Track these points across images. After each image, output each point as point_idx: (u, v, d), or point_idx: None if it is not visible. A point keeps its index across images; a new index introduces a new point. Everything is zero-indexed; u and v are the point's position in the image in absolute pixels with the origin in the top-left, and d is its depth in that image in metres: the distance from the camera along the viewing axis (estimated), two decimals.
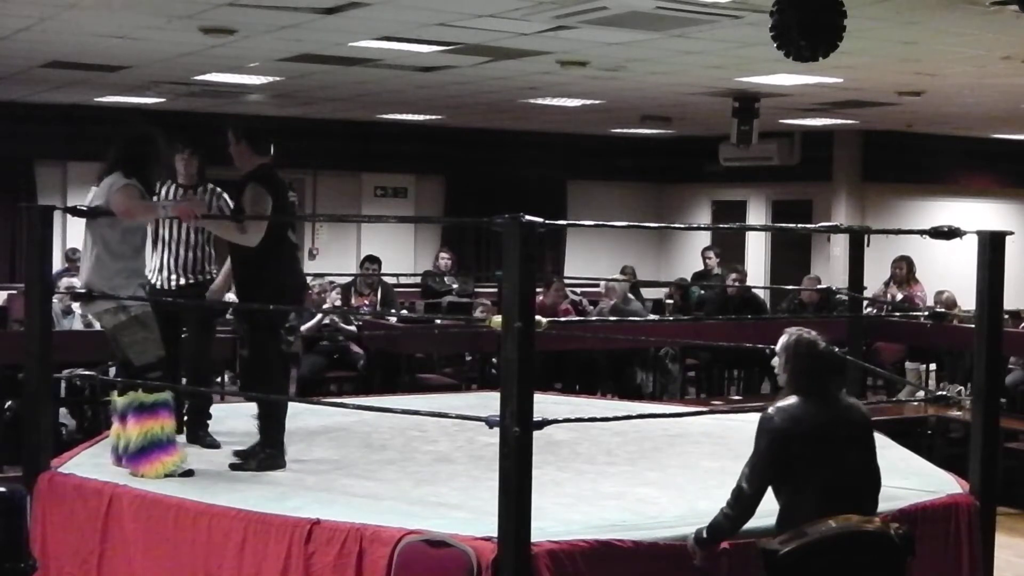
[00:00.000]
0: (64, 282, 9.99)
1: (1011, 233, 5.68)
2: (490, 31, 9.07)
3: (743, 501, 4.45)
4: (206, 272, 6.72)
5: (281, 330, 6.23)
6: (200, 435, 6.50)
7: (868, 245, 7.45)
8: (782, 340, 4.62)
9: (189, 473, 5.69)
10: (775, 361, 4.64)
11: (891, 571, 4.42)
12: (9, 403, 8.72)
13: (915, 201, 17.36)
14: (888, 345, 11.66)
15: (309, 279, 14.66)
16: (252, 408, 6.80)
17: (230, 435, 6.58)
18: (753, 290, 13.21)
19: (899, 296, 12.41)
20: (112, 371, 8.16)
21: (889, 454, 6.52)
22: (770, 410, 4.48)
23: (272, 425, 6.00)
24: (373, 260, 11.72)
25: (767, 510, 4.50)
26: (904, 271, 12.71)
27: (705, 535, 4.54)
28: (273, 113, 15.60)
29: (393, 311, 11.39)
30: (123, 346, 5.85)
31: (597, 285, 13.08)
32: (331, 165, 17.20)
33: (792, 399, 4.50)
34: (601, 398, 10.03)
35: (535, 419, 4.36)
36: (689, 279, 15.25)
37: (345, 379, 11.06)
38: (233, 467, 5.89)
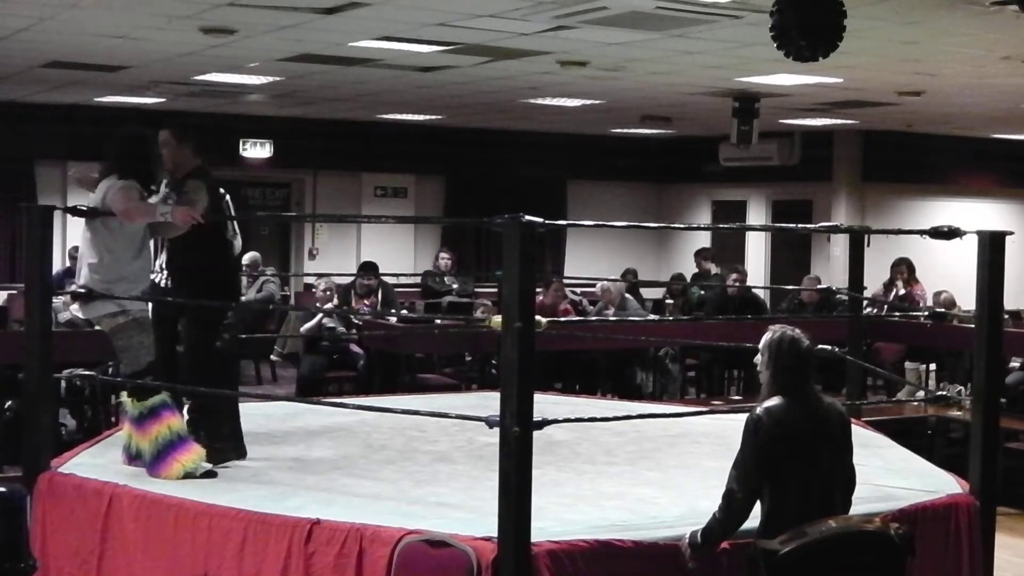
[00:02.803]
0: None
1: (1011, 233, 5.68)
2: (490, 31, 9.07)
3: (735, 505, 4.43)
4: None
5: (219, 327, 6.24)
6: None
7: (868, 245, 7.45)
8: (766, 337, 4.60)
9: (211, 474, 5.67)
10: (757, 358, 4.62)
11: (891, 571, 4.41)
12: (9, 403, 8.72)
13: (915, 201, 17.36)
14: (888, 345, 11.67)
15: (312, 279, 14.78)
16: (250, 408, 6.82)
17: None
18: (753, 290, 13.21)
19: (901, 291, 12.42)
20: (112, 371, 8.17)
21: (889, 454, 6.53)
22: (758, 411, 4.46)
23: (215, 419, 6.00)
24: (370, 268, 11.66)
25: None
26: (906, 274, 12.71)
27: (699, 539, 4.53)
28: (273, 113, 15.62)
29: (393, 311, 11.39)
30: (116, 350, 5.85)
31: (596, 285, 13.08)
32: (331, 165, 17.22)
33: (777, 400, 4.47)
34: (601, 398, 10.03)
35: (535, 419, 4.36)
36: (688, 278, 15.26)
37: (345, 379, 11.06)
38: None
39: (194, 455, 5.68)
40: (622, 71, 11.01)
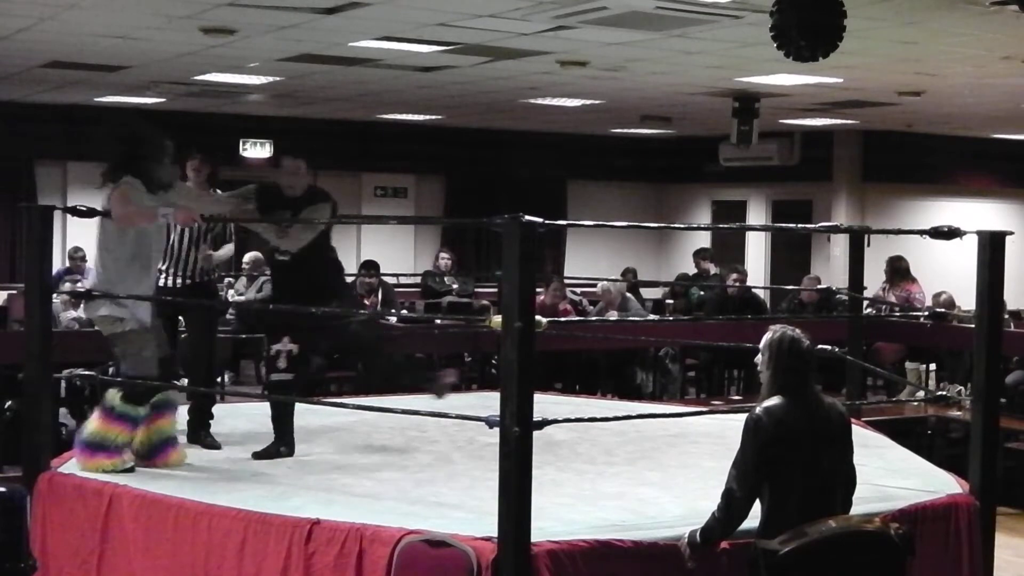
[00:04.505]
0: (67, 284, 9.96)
1: (1011, 233, 5.68)
2: (490, 31, 9.07)
3: (735, 504, 4.43)
4: (209, 273, 6.78)
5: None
6: (201, 435, 6.51)
7: (868, 245, 7.45)
8: (766, 337, 4.59)
9: (130, 470, 5.68)
10: (758, 358, 4.62)
11: (891, 571, 4.41)
12: (9, 403, 8.72)
13: (915, 201, 17.36)
14: (888, 345, 11.66)
15: None
16: (250, 408, 6.83)
17: (230, 435, 6.59)
18: (753, 290, 13.20)
19: (892, 300, 12.38)
20: (111, 371, 8.17)
21: (889, 454, 6.53)
22: (757, 411, 4.45)
23: (289, 422, 6.25)
24: (371, 266, 11.67)
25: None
26: (890, 271, 12.63)
27: (699, 538, 4.53)
28: (273, 113, 15.61)
29: (393, 311, 11.38)
30: (117, 355, 5.84)
31: (596, 285, 13.08)
32: (331, 165, 17.15)
33: (776, 399, 4.47)
34: (601, 398, 10.03)
35: (535, 419, 4.36)
36: (688, 279, 15.26)
37: (345, 379, 11.05)
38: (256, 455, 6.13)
39: (118, 462, 5.64)
40: (622, 71, 11.01)
